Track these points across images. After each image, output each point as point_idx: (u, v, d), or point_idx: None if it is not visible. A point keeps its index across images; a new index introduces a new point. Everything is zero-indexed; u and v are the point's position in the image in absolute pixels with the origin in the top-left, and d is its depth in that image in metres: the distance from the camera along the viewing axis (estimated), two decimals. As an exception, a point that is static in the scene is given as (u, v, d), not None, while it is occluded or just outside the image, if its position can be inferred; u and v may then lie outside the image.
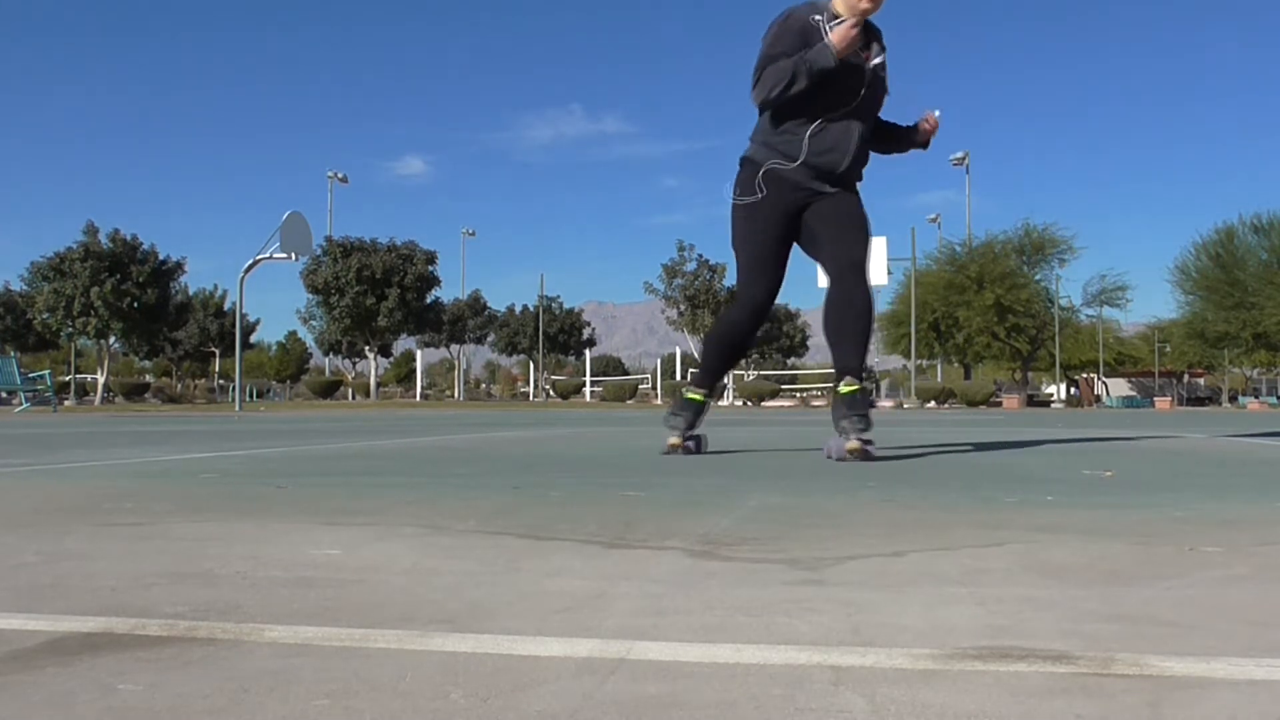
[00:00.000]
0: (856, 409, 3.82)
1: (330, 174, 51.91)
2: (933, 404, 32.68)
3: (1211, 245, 43.90)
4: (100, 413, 19.42)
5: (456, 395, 49.70)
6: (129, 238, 32.00)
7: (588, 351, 57.12)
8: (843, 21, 3.74)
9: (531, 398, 49.14)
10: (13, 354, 29.51)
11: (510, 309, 54.95)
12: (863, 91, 3.90)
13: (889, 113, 4.17)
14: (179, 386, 43.96)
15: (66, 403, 27.55)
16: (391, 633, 1.11)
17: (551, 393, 48.26)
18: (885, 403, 33.95)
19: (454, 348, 53.57)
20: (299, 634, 1.11)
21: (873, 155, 4.20)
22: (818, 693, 0.89)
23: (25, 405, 21.15)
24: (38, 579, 1.46)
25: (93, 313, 30.40)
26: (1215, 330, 43.05)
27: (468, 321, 52.75)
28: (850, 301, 3.93)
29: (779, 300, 5.36)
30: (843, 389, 3.88)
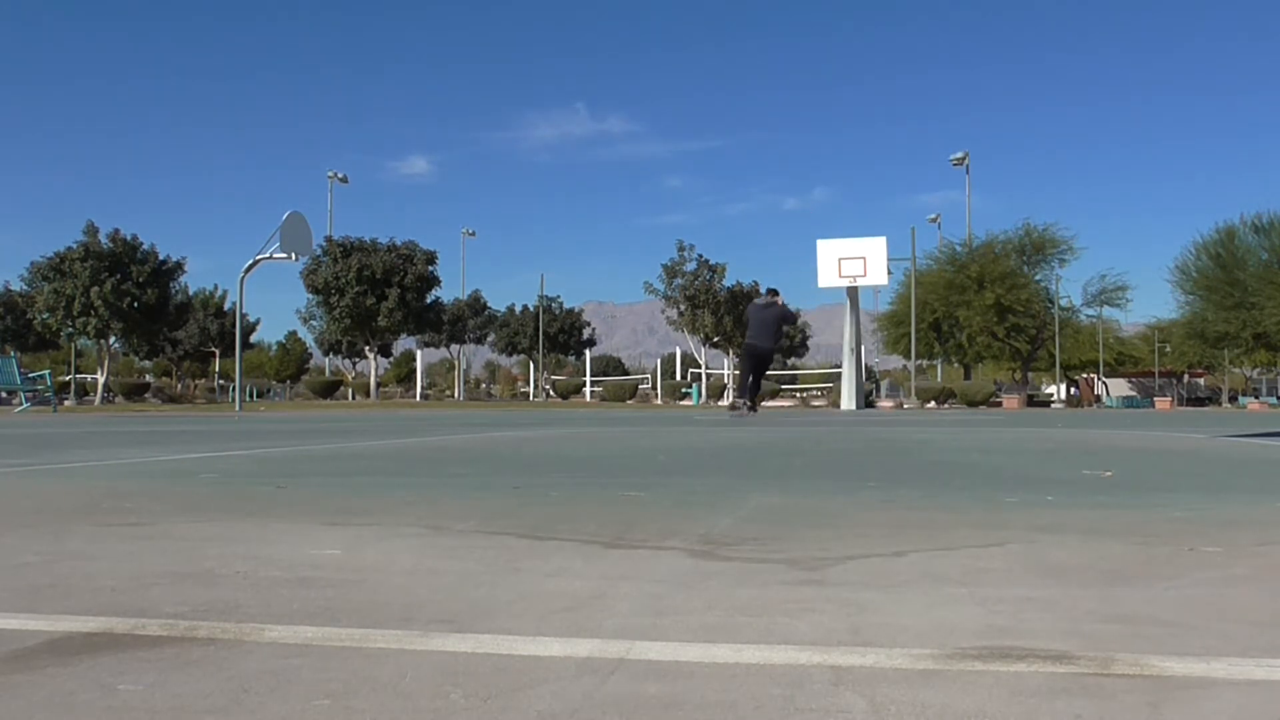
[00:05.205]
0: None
1: (330, 174, 51.81)
2: (933, 404, 32.63)
3: (1211, 245, 43.78)
4: (100, 413, 19.40)
5: (456, 395, 49.63)
6: (129, 237, 31.94)
7: (588, 351, 57.01)
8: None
9: (531, 398, 49.08)
10: (13, 354, 29.47)
11: (510, 309, 54.83)
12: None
13: None
14: (179, 386, 43.92)
15: (66, 403, 27.54)
16: (391, 633, 1.11)
17: (551, 393, 48.20)
18: (885, 402, 33.90)
19: (454, 348, 53.48)
20: (299, 634, 1.11)
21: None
22: (818, 693, 0.89)
23: (25, 405, 21.13)
24: (38, 579, 1.46)
25: (93, 313, 30.35)
26: (1215, 330, 42.94)
27: (468, 321, 52.66)
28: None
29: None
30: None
